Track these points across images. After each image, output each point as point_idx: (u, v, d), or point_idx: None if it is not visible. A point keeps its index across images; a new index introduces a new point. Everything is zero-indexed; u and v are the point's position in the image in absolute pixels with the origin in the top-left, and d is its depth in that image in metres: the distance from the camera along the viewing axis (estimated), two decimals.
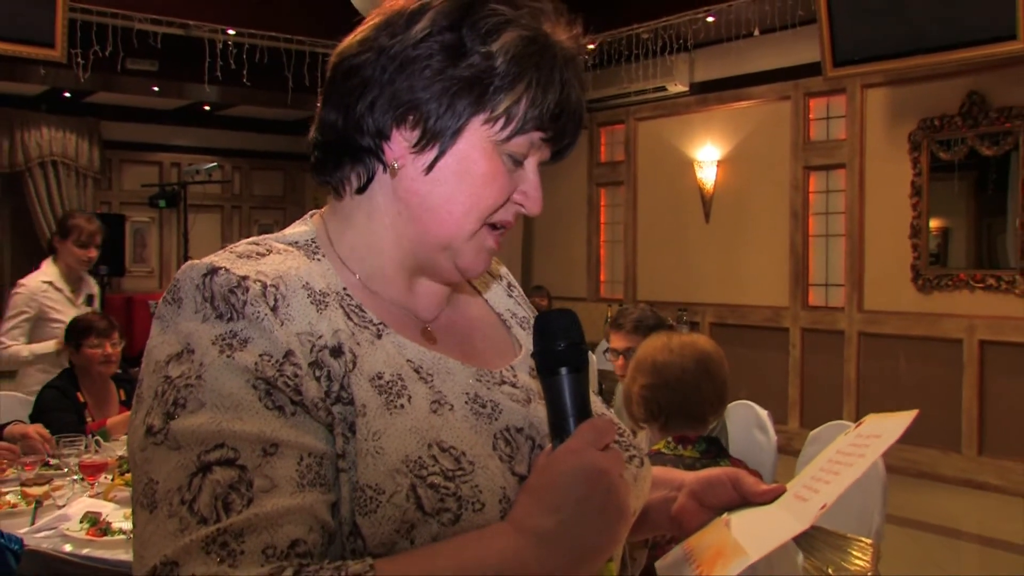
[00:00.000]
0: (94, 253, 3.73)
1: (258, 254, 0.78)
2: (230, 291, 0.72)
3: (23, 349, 3.55)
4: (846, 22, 5.12)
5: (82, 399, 3.04)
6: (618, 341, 3.06)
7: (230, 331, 0.71)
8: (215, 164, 8.00)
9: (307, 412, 0.70)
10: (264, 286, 0.73)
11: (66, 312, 3.65)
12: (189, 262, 0.76)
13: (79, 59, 5.75)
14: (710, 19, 5.99)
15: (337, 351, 0.73)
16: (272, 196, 10.83)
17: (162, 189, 8.22)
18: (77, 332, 3.07)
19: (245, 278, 0.73)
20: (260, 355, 0.70)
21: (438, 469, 0.71)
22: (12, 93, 8.38)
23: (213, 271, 0.73)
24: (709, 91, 6.92)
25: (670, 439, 1.98)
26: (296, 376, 0.70)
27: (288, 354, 0.71)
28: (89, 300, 3.83)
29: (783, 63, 6.29)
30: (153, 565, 0.64)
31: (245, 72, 6.22)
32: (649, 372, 2.03)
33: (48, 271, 3.77)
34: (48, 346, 3.52)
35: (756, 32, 6.06)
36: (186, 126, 9.72)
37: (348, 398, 0.72)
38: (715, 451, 1.98)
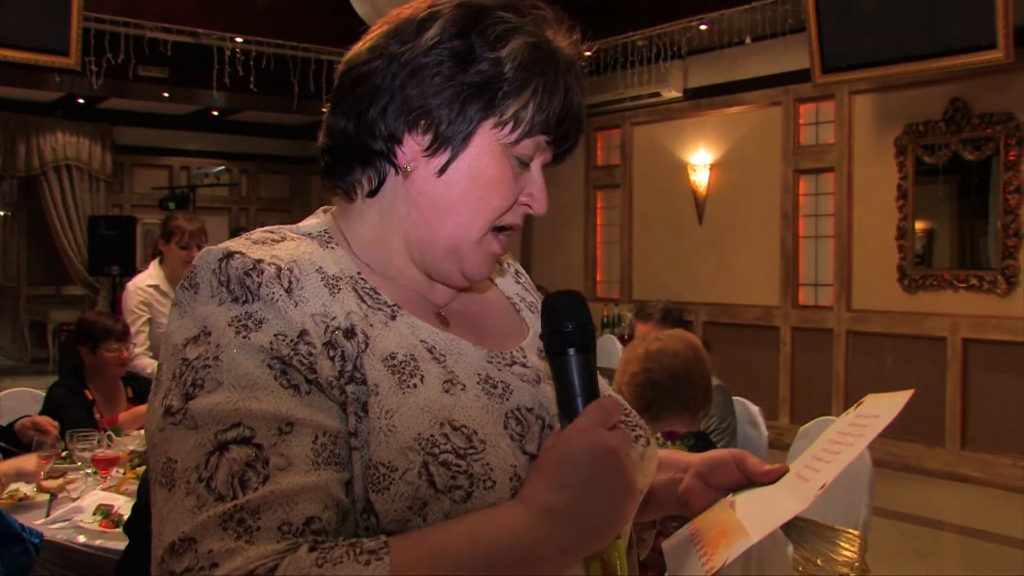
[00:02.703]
0: (196, 253, 3.57)
1: (272, 240, 0.78)
2: (245, 274, 0.72)
3: (148, 364, 3.45)
4: (834, 31, 5.17)
5: (90, 397, 3.01)
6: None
7: (245, 312, 0.71)
8: (223, 168, 8.14)
9: (321, 391, 0.71)
10: (279, 269, 0.73)
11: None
12: (206, 248, 0.76)
13: (93, 67, 5.83)
14: (703, 27, 6.02)
15: (350, 333, 0.74)
16: (278, 199, 10.93)
17: (172, 192, 8.31)
18: (96, 335, 3.02)
19: (260, 261, 0.73)
20: (275, 335, 0.70)
21: (450, 447, 0.71)
22: (28, 100, 8.48)
23: (229, 255, 0.73)
24: (702, 97, 6.91)
25: (659, 435, 1.94)
26: (311, 355, 0.71)
27: (303, 333, 0.71)
28: None
29: (774, 70, 6.32)
30: (171, 541, 0.64)
31: (253, 78, 6.27)
32: (642, 359, 1.99)
33: (154, 273, 3.64)
34: None
35: (748, 40, 6.14)
36: (195, 131, 9.81)
37: (361, 378, 0.72)
38: (703, 446, 1.93)
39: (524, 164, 0.82)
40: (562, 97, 0.80)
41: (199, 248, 3.55)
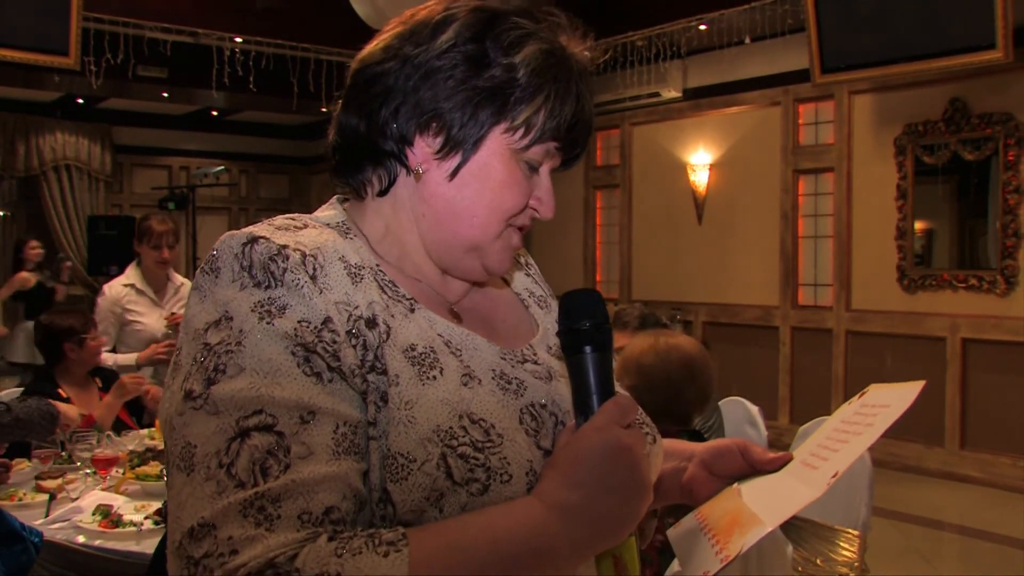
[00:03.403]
0: (167, 254, 3.65)
1: (295, 227, 0.78)
2: (270, 259, 0.72)
3: (108, 358, 3.48)
4: (834, 31, 5.18)
5: (64, 395, 2.98)
6: (625, 340, 2.98)
7: (268, 298, 0.71)
8: (222, 168, 8.13)
9: (343, 379, 0.71)
10: (303, 255, 0.73)
11: (149, 314, 3.61)
12: (228, 232, 0.76)
13: (92, 66, 5.82)
14: (703, 27, 6.03)
15: (372, 322, 0.74)
16: (278, 199, 10.90)
17: (171, 192, 8.33)
18: (76, 329, 3.04)
19: (285, 247, 0.73)
20: (299, 321, 0.70)
21: (468, 440, 0.72)
22: (28, 100, 8.46)
23: (253, 240, 0.73)
24: (702, 97, 6.91)
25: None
26: (335, 343, 0.71)
27: (327, 321, 0.71)
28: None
29: (773, 70, 6.32)
30: (190, 526, 0.64)
31: (252, 78, 6.27)
32: (635, 374, 2.02)
33: (131, 274, 3.72)
34: (129, 359, 3.47)
35: (747, 40, 6.14)
36: (195, 131, 9.79)
37: (382, 368, 0.73)
38: (695, 441, 2.02)
39: (533, 169, 0.83)
40: (574, 104, 0.81)
41: (170, 248, 3.66)
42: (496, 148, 0.80)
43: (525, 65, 0.79)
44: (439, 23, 0.80)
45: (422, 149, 0.81)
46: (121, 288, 3.67)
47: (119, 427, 3.01)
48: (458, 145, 0.80)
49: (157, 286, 3.72)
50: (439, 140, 0.80)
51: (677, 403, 2.00)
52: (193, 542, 0.64)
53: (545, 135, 0.81)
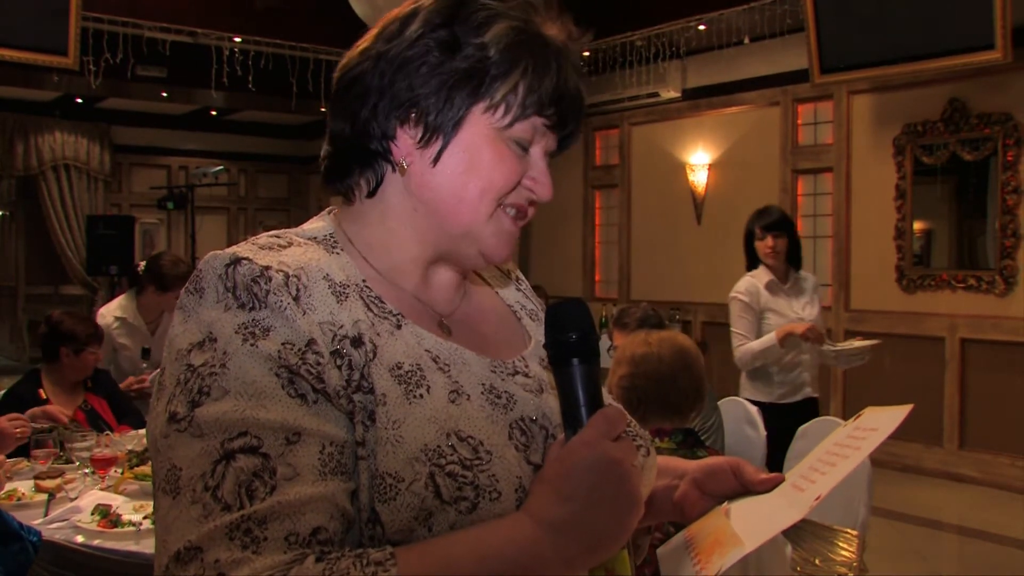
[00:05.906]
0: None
1: (279, 246, 0.77)
2: (253, 280, 0.72)
3: None
4: (833, 31, 5.19)
5: (43, 396, 2.96)
6: (623, 339, 3.08)
7: (252, 320, 0.70)
8: (221, 167, 8.13)
9: (329, 400, 0.70)
10: (286, 276, 0.73)
11: (135, 347, 3.55)
12: (212, 252, 0.75)
13: (91, 66, 5.84)
14: (702, 27, 6.03)
15: (357, 341, 0.73)
16: (277, 198, 10.91)
17: (170, 191, 8.30)
18: (80, 338, 3.02)
19: (268, 268, 0.73)
20: (283, 343, 0.70)
21: (456, 458, 0.71)
22: (27, 99, 8.44)
23: (236, 261, 0.73)
24: (701, 97, 6.91)
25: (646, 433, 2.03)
26: (318, 364, 0.70)
27: (310, 343, 0.71)
28: (145, 353, 3.57)
29: (772, 70, 6.32)
30: (177, 550, 0.64)
31: (251, 78, 6.28)
32: (628, 363, 2.03)
33: (126, 305, 3.64)
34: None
35: (746, 40, 6.14)
36: (194, 130, 9.78)
37: (368, 387, 0.72)
38: (691, 442, 1.97)
39: (524, 148, 0.82)
40: (555, 77, 0.80)
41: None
42: (479, 129, 0.79)
43: (496, 43, 0.78)
44: (407, 16, 0.80)
45: (404, 142, 0.80)
46: (112, 320, 3.61)
47: (94, 422, 2.98)
48: (438, 130, 0.79)
49: (151, 317, 3.65)
50: (419, 129, 0.80)
51: (671, 390, 2.00)
52: (180, 566, 0.64)
53: (528, 110, 0.79)
